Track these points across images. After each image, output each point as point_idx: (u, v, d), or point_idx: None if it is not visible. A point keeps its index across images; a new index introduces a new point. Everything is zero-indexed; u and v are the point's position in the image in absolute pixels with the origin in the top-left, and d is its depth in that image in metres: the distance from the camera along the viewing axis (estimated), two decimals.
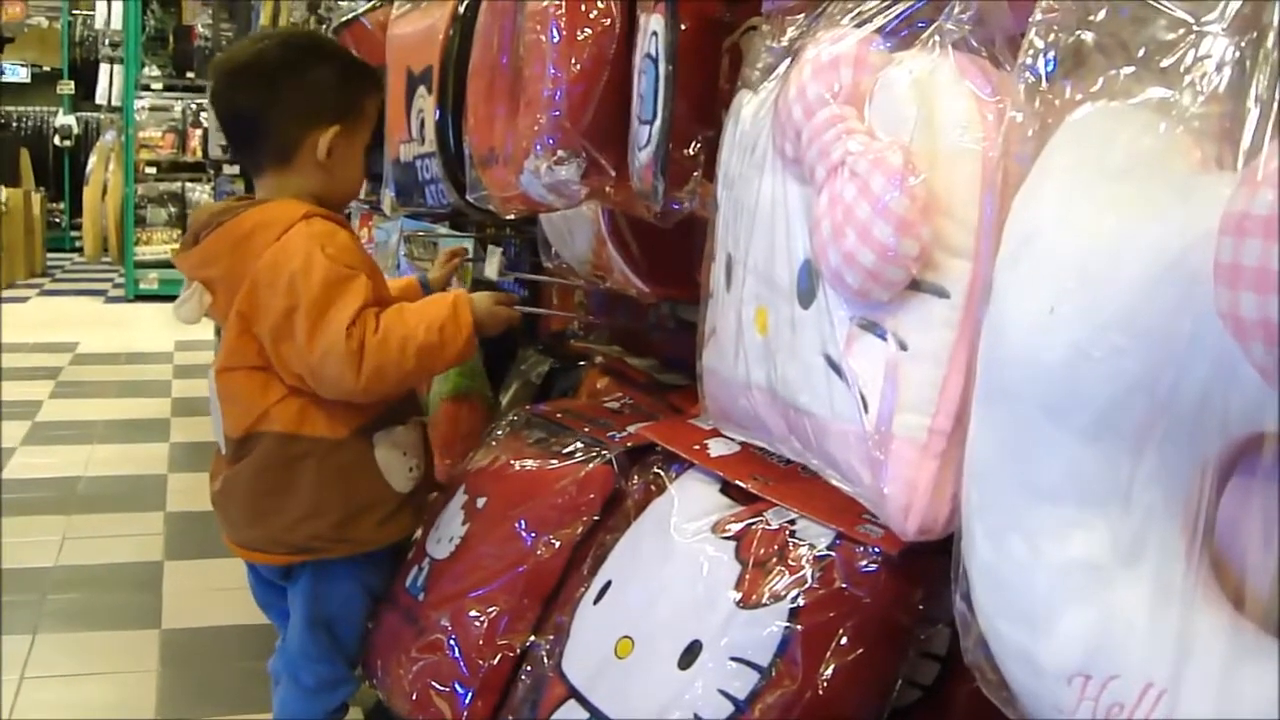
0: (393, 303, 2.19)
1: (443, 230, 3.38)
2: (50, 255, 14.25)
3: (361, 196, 3.39)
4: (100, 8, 14.55)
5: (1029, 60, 0.97)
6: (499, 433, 2.22)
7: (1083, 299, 0.83)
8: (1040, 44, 0.96)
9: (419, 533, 2.21)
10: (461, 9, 2.26)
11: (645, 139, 1.59)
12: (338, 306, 2.09)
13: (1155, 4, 0.88)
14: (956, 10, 1.13)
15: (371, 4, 3.20)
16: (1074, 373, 0.83)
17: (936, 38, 1.14)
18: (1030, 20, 0.97)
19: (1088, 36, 0.93)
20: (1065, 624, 0.86)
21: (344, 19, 3.32)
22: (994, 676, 0.95)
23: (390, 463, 2.23)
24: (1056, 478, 0.86)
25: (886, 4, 1.20)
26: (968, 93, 1.10)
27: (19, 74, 15.27)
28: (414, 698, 1.90)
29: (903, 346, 1.13)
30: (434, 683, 1.89)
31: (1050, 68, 0.95)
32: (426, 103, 2.37)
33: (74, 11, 15.59)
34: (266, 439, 2.20)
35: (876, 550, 1.36)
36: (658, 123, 1.56)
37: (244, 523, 2.28)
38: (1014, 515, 0.90)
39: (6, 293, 11.53)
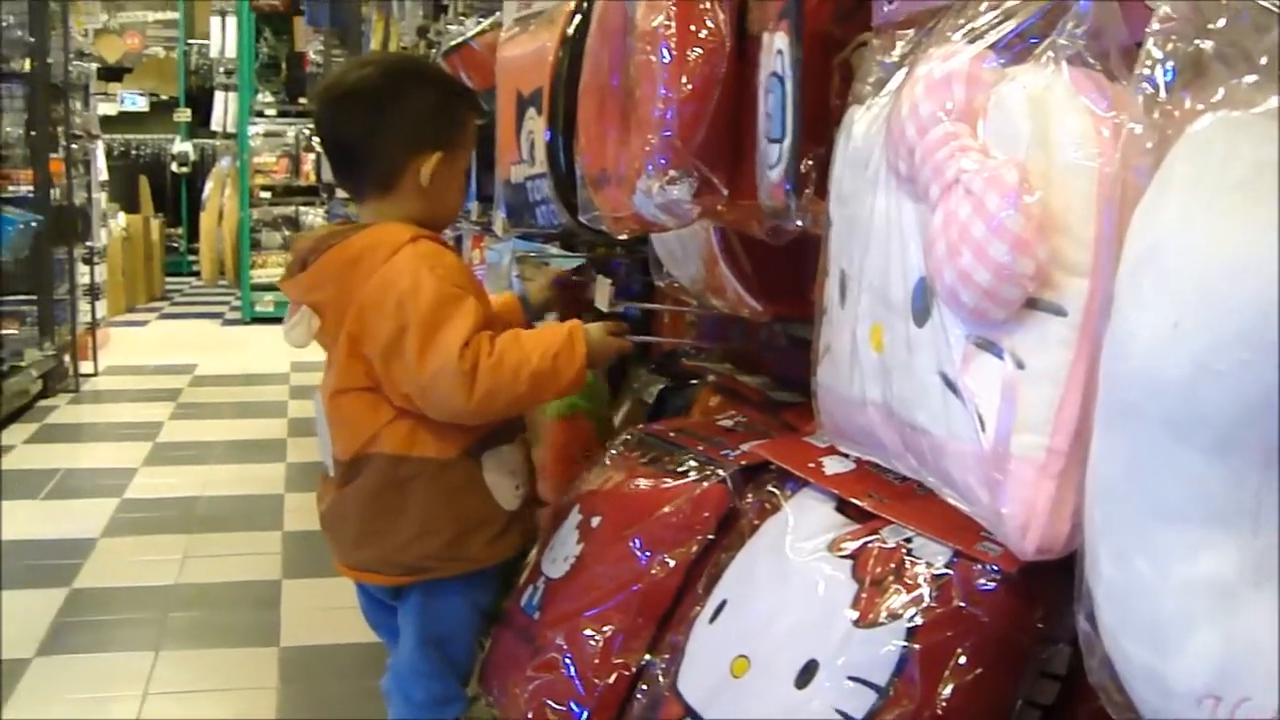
0: (500, 325, 2.23)
1: (554, 250, 3.40)
2: (169, 279, 14.57)
3: (474, 218, 3.43)
4: (215, 37, 14.85)
5: (1146, 71, 0.95)
6: (613, 452, 2.22)
7: (1207, 313, 0.82)
8: (1158, 54, 0.94)
9: (534, 552, 2.22)
10: (570, 31, 2.27)
11: (775, 157, 1.59)
12: (449, 327, 2.12)
13: (1278, 10, 0.87)
14: (1070, 24, 1.11)
15: (480, 28, 3.23)
16: (1199, 389, 0.82)
17: (1050, 53, 1.12)
18: (1147, 30, 0.96)
19: (1207, 45, 0.91)
20: (1194, 644, 0.84)
21: (453, 43, 3.36)
22: (1120, 698, 0.94)
23: (498, 481, 2.25)
24: (1182, 496, 0.85)
25: (999, 20, 1.19)
26: (1083, 108, 1.08)
27: (137, 103, 15.62)
28: (530, 716, 1.91)
29: (1020, 365, 1.12)
30: (550, 701, 1.89)
31: (1169, 78, 0.93)
32: (536, 124, 2.39)
33: (189, 41, 15.93)
34: (376, 460, 2.23)
35: (995, 568, 1.34)
36: (788, 140, 1.55)
37: (355, 544, 2.30)
38: (1139, 535, 0.89)
39: (127, 316, 11.77)
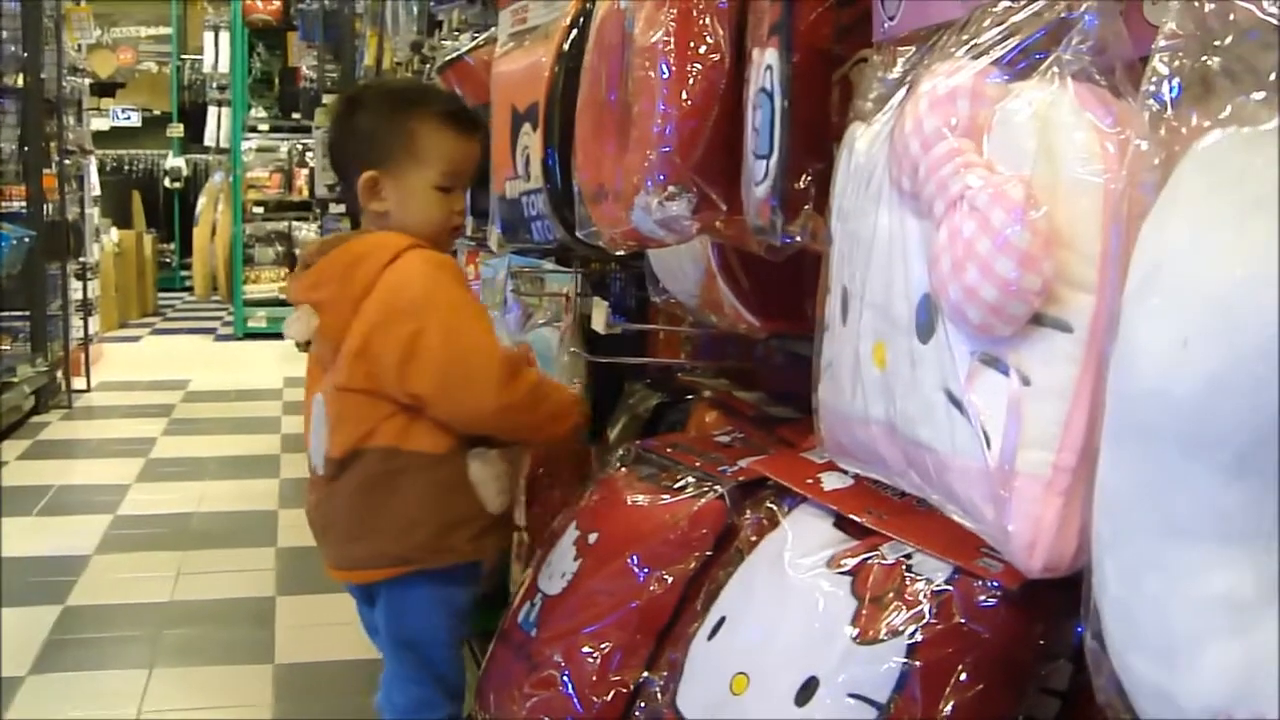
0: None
1: (549, 266, 3.40)
2: (161, 295, 14.56)
3: (468, 233, 3.42)
4: (208, 52, 14.87)
5: (1152, 88, 0.95)
6: (609, 468, 2.22)
7: (1217, 330, 0.81)
8: (1164, 70, 0.94)
9: (530, 569, 2.22)
10: (566, 46, 2.27)
11: (762, 174, 1.59)
12: (474, 328, 2.30)
13: None
14: (1075, 40, 1.11)
15: (475, 43, 3.23)
16: (1211, 406, 0.81)
17: (1055, 68, 1.12)
18: (1153, 46, 0.95)
19: (1214, 62, 0.90)
20: (1205, 663, 0.84)
21: (448, 58, 3.36)
22: (1128, 716, 0.93)
23: (483, 481, 2.32)
24: (1195, 514, 0.84)
25: (1003, 35, 1.19)
26: (1088, 124, 1.08)
27: (130, 118, 15.60)
28: None
29: (1025, 381, 1.12)
30: (547, 718, 1.89)
31: (1175, 94, 0.93)
32: (532, 139, 2.39)
33: (183, 56, 15.93)
34: (370, 454, 2.31)
35: (995, 584, 1.34)
36: (774, 157, 1.55)
37: (345, 538, 2.38)
38: (1149, 552, 0.88)
39: (120, 332, 11.76)
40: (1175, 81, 0.93)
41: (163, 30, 16.03)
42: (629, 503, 2.03)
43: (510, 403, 2.26)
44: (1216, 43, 0.91)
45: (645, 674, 1.82)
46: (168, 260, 15.76)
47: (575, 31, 2.25)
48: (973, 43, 1.22)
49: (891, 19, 1.43)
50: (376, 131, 2.44)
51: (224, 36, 14.49)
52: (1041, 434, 1.11)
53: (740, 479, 1.90)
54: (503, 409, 2.27)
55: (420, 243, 2.34)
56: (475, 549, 2.37)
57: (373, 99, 2.57)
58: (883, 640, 1.37)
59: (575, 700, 1.86)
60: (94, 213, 10.26)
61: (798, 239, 1.57)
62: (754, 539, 1.73)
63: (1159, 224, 0.91)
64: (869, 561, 1.47)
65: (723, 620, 1.65)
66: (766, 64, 1.57)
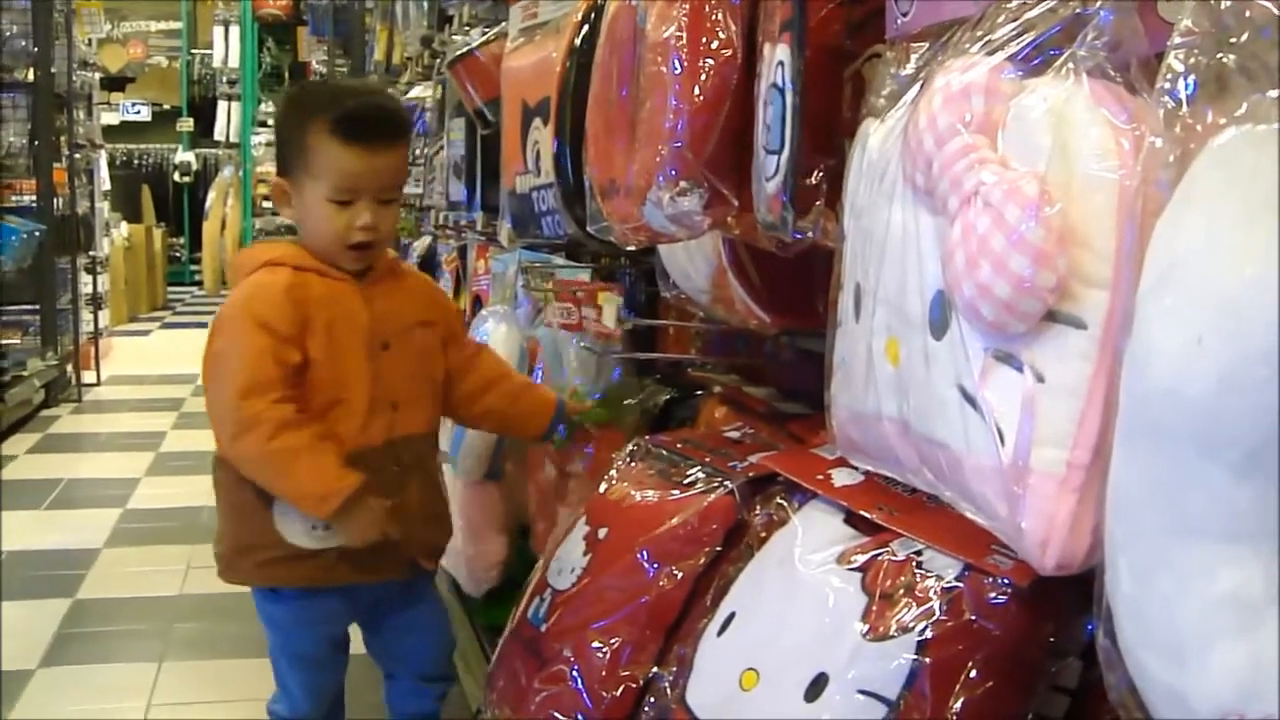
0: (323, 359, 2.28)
1: (559, 261, 3.40)
2: (171, 289, 14.58)
3: (479, 228, 3.42)
4: (218, 46, 14.89)
5: (1167, 85, 0.94)
6: (619, 463, 2.22)
7: (1231, 329, 0.81)
8: (1179, 67, 0.93)
9: (539, 564, 2.22)
10: (577, 41, 2.27)
11: (773, 169, 1.58)
12: (227, 371, 2.23)
13: None
14: (1090, 36, 1.11)
15: (485, 38, 3.23)
16: (1224, 406, 0.81)
17: (1070, 64, 1.12)
18: (1168, 44, 0.95)
19: (1229, 59, 0.90)
20: (1216, 662, 0.84)
21: (458, 53, 3.35)
22: (1140, 714, 0.93)
23: (285, 513, 2.29)
24: (1206, 513, 0.84)
25: (1018, 31, 1.18)
26: (1103, 120, 1.08)
27: (140, 113, 15.63)
28: None
29: (1039, 378, 1.11)
30: (556, 714, 1.88)
31: (1190, 91, 0.93)
32: (542, 134, 2.39)
33: (192, 51, 15.96)
34: (214, 458, 2.37)
35: (1006, 581, 1.33)
36: (785, 153, 1.55)
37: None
38: (1160, 550, 0.88)
39: (129, 326, 11.77)
40: (1190, 79, 0.93)
41: (173, 25, 16.06)
42: (639, 498, 2.03)
43: (236, 456, 2.25)
44: (1232, 40, 0.90)
45: (654, 669, 1.82)
46: (177, 254, 15.80)
47: (587, 27, 2.25)
48: (987, 39, 1.21)
49: (905, 15, 1.43)
50: (281, 138, 2.41)
51: (234, 31, 14.51)
52: (1055, 431, 1.11)
53: (751, 475, 1.90)
54: (234, 458, 2.27)
55: (282, 259, 2.32)
56: (259, 576, 2.36)
57: (286, 103, 2.53)
58: (893, 637, 1.36)
59: (584, 695, 1.86)
60: (104, 207, 10.28)
61: (808, 234, 1.56)
62: (764, 535, 1.72)
63: (1174, 222, 0.90)
64: (879, 558, 1.47)
65: (732, 616, 1.65)
66: (778, 60, 1.57)
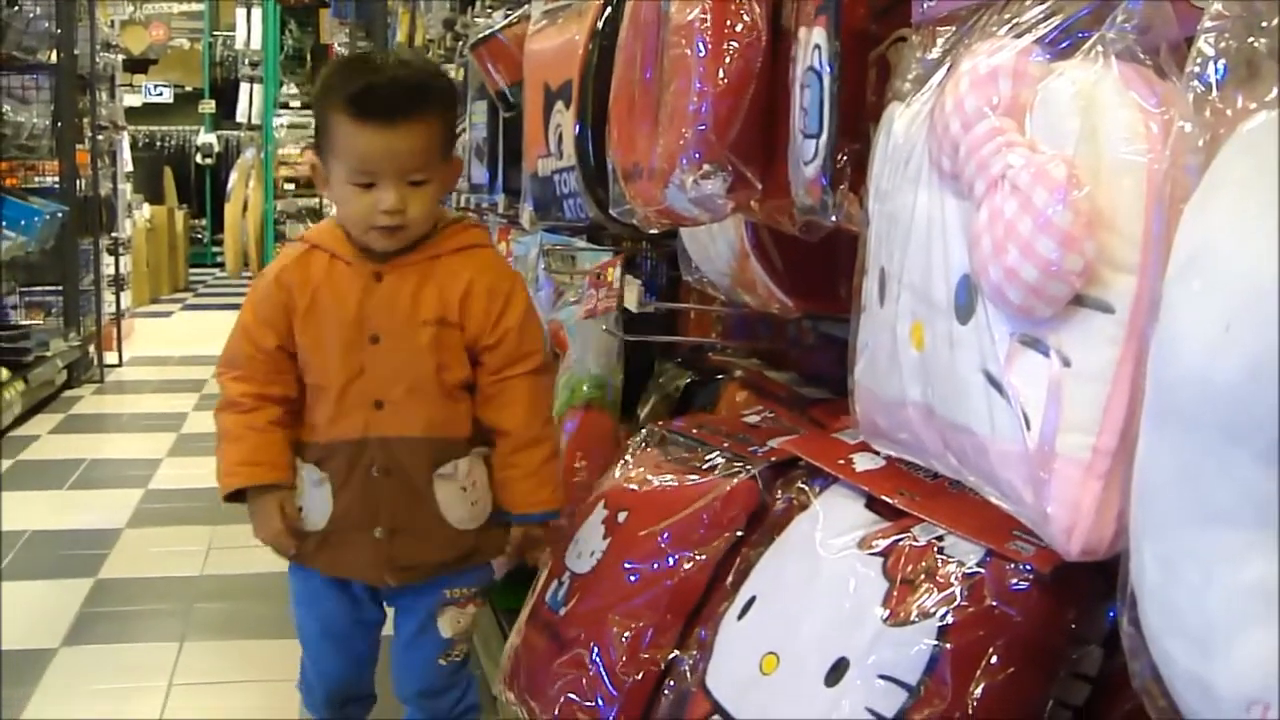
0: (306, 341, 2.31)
1: (581, 244, 3.40)
2: (193, 270, 14.62)
3: (501, 211, 3.42)
4: (240, 28, 14.91)
5: (1197, 69, 0.93)
6: (638, 447, 2.22)
7: (1260, 316, 0.80)
8: (1210, 51, 0.93)
9: (552, 549, 2.22)
10: (600, 24, 2.27)
11: (811, 153, 1.58)
12: (230, 342, 2.39)
13: None
14: (1120, 19, 1.10)
15: (508, 20, 3.22)
16: (1252, 393, 0.80)
17: (1099, 47, 1.11)
18: (1199, 27, 0.94)
19: (1260, 44, 0.89)
20: (1242, 649, 0.83)
21: (481, 35, 3.35)
22: (1165, 703, 0.93)
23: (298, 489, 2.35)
24: (1232, 500, 0.83)
25: (1046, 14, 1.18)
26: (1132, 104, 1.07)
27: (162, 94, 15.67)
28: (556, 713, 1.90)
29: (1066, 363, 1.11)
30: (576, 698, 1.89)
31: (1220, 76, 0.92)
32: (565, 117, 2.38)
33: (214, 33, 15.98)
34: None
35: (1028, 568, 1.33)
36: (824, 136, 1.54)
37: None
38: (1187, 537, 0.87)
39: (151, 307, 11.81)
40: (1220, 63, 0.92)
41: (195, 6, 16.08)
42: (659, 483, 2.03)
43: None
44: (1263, 24, 0.89)
45: (675, 653, 1.82)
46: (199, 236, 15.85)
47: (610, 9, 2.24)
48: (1014, 21, 1.21)
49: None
50: (314, 116, 2.38)
51: (256, 13, 14.52)
52: (1082, 416, 1.10)
53: (772, 459, 1.89)
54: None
55: (308, 237, 2.39)
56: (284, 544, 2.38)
57: (319, 79, 2.40)
58: (914, 622, 1.36)
59: (605, 678, 1.86)
60: (126, 188, 10.31)
61: (833, 218, 1.56)
62: (785, 520, 1.72)
63: (1202, 206, 0.90)
64: (900, 543, 1.46)
65: (753, 600, 1.65)
66: (814, 43, 1.56)
